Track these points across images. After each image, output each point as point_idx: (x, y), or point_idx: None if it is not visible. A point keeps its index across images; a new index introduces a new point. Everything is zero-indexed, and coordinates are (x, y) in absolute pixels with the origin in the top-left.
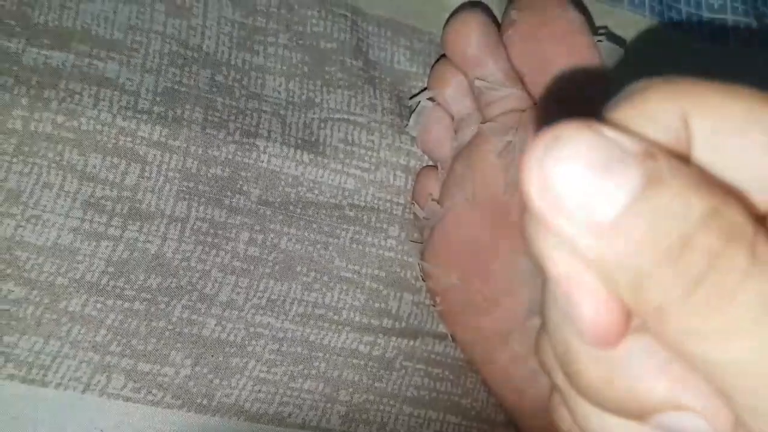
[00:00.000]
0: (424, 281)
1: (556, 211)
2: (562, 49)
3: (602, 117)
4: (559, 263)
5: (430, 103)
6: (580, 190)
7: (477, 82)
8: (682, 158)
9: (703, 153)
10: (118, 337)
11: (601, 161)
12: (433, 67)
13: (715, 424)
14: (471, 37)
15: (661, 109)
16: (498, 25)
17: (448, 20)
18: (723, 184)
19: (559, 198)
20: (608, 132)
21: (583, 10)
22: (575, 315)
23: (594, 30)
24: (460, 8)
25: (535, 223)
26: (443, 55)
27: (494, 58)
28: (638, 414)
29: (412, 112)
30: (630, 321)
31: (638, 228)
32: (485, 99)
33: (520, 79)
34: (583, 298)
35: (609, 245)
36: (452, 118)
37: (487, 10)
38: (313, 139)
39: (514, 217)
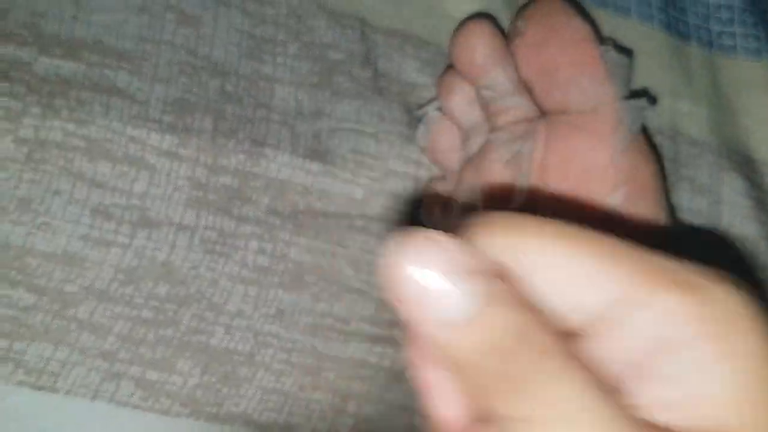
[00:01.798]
0: None
1: (418, 307)
2: (569, 58)
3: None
4: (420, 369)
5: (438, 113)
6: (438, 291)
7: (484, 92)
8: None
9: (528, 278)
10: (127, 344)
11: (455, 270)
12: (440, 77)
13: None
14: (478, 46)
15: (496, 242)
16: (505, 35)
17: (455, 30)
18: (535, 304)
19: (421, 296)
20: (461, 246)
21: (590, 21)
22: (430, 411)
23: (601, 40)
24: (468, 18)
25: (408, 337)
26: (451, 66)
27: (502, 67)
28: None
29: (420, 122)
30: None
31: (482, 331)
32: (493, 109)
33: (527, 89)
34: (437, 398)
35: (461, 338)
36: (460, 128)
37: (494, 21)
38: (322, 148)
39: None
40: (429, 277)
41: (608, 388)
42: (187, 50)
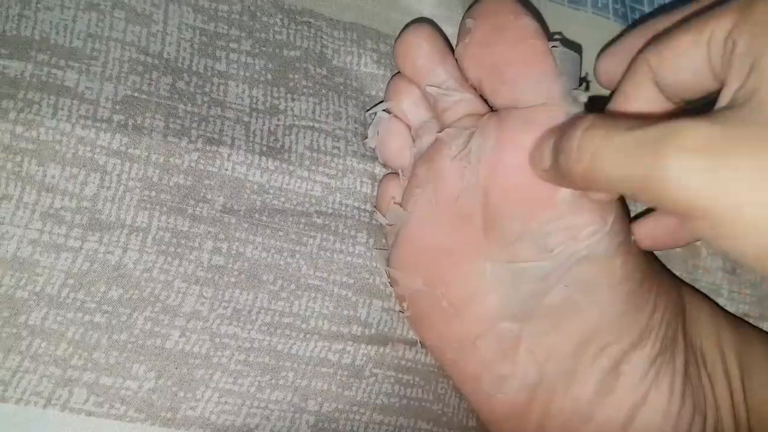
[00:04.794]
0: (392, 287)
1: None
2: (518, 55)
3: None
4: None
5: (386, 114)
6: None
7: (429, 89)
8: None
9: None
10: (80, 350)
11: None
12: (389, 81)
13: None
14: (420, 48)
15: None
16: (445, 38)
17: (397, 38)
18: None
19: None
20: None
21: (538, 17)
22: None
23: (549, 36)
24: (410, 23)
25: None
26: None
27: (444, 66)
28: None
29: (369, 124)
30: None
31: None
32: (440, 106)
33: (477, 86)
34: None
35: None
36: (410, 127)
37: (433, 25)
38: (278, 146)
39: (474, 222)
40: None
41: None
42: (138, 48)
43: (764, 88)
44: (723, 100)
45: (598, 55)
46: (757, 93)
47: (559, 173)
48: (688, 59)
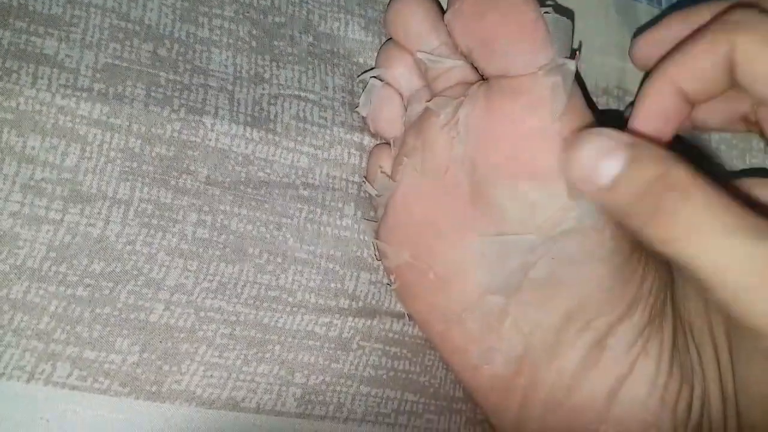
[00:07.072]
0: (380, 260)
1: (583, 180)
2: (508, 23)
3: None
4: None
5: (378, 82)
6: (593, 167)
7: (420, 55)
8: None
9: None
10: (62, 324)
11: (604, 150)
12: (380, 48)
13: None
14: (412, 15)
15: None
16: (438, 3)
17: (389, 4)
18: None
19: (585, 171)
20: (612, 133)
21: None
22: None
23: (541, 2)
24: None
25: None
26: (390, 38)
27: (436, 32)
28: None
29: (358, 93)
30: None
31: (625, 184)
32: (431, 73)
33: (467, 54)
34: None
35: (606, 196)
36: (402, 96)
37: None
38: (263, 115)
39: (461, 193)
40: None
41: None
42: (119, 14)
43: None
44: None
45: (633, 37)
46: None
47: (612, 201)
48: (706, 70)
